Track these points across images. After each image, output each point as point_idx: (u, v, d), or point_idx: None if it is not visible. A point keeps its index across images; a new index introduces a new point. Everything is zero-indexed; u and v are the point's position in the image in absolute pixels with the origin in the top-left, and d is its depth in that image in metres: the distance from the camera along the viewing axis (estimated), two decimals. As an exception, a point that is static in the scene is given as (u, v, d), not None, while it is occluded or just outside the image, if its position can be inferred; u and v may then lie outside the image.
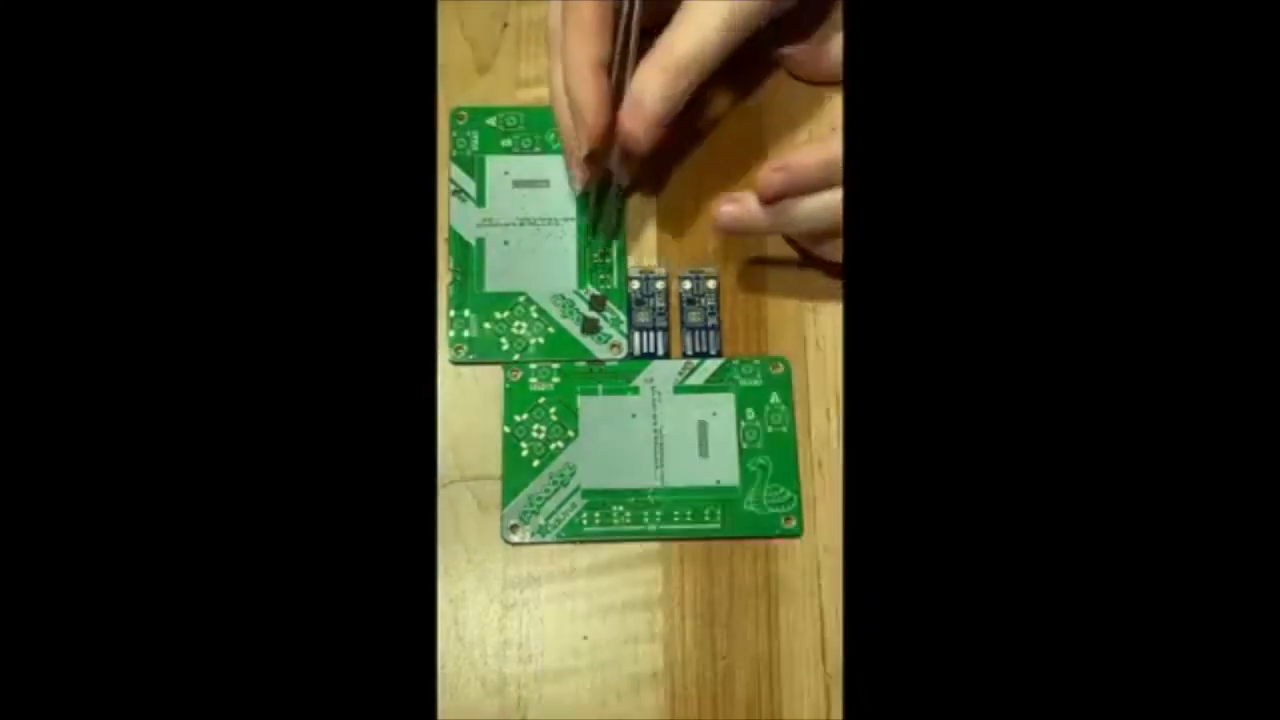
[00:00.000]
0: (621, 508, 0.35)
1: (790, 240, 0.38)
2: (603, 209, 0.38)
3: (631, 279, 0.38)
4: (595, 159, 0.36)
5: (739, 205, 0.35)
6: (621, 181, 0.38)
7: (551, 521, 0.35)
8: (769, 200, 0.35)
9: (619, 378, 0.37)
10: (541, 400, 0.36)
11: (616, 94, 0.35)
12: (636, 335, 0.37)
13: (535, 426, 0.36)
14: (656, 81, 0.34)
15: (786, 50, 0.40)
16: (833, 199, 0.34)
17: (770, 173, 0.34)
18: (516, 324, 0.37)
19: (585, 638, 0.34)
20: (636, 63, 0.35)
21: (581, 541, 0.35)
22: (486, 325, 0.37)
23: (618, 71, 0.35)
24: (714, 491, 0.35)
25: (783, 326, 0.38)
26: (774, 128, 0.40)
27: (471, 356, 0.37)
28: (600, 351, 0.37)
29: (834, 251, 0.36)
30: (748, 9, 0.35)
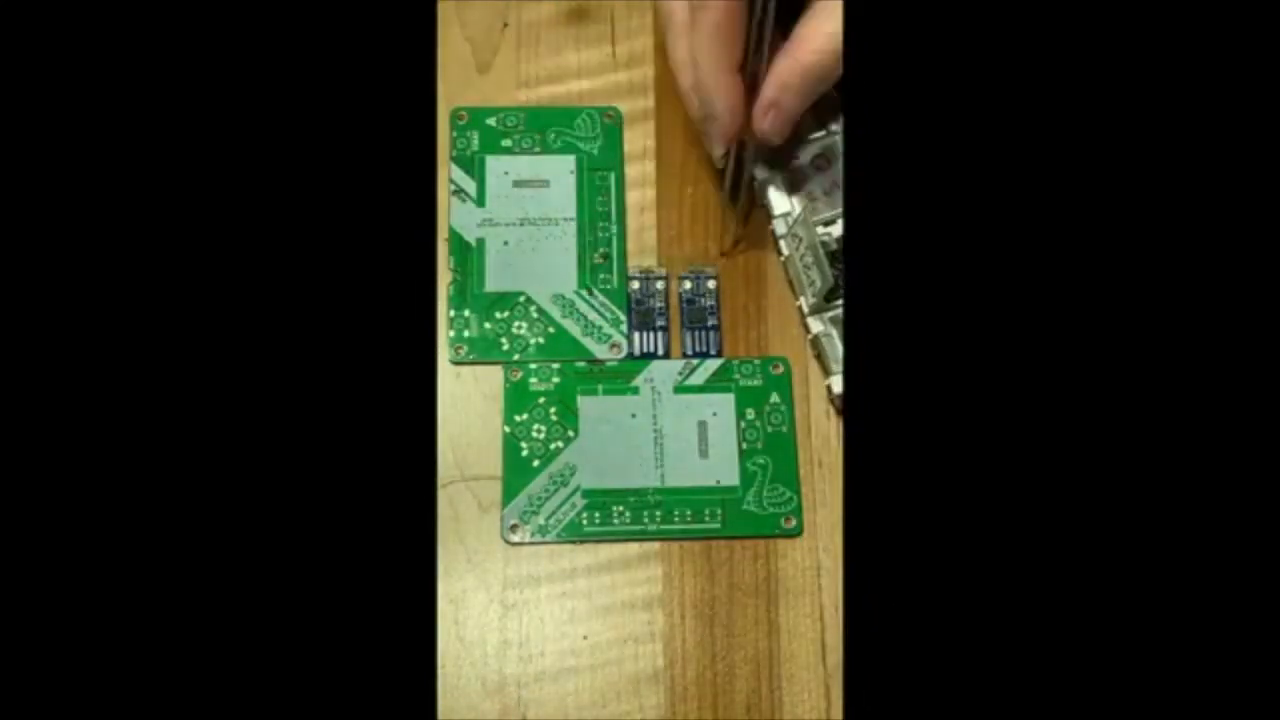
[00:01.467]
0: (621, 508, 0.35)
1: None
2: (739, 181, 0.37)
3: (631, 279, 0.38)
4: (727, 154, 0.36)
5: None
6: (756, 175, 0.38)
7: (551, 521, 0.35)
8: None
9: (619, 378, 0.37)
10: (541, 400, 0.36)
11: (749, 87, 0.34)
12: (636, 335, 0.37)
13: (535, 426, 0.36)
14: (793, 82, 0.33)
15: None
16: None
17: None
18: (516, 324, 0.37)
19: (585, 638, 0.34)
20: (769, 58, 0.34)
21: (581, 541, 0.35)
22: (486, 325, 0.37)
23: (751, 66, 0.34)
24: (714, 491, 0.35)
25: (783, 326, 0.38)
26: (774, 128, 0.40)
27: (471, 356, 0.37)
28: (600, 351, 0.37)
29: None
30: None
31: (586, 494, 0.35)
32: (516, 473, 0.35)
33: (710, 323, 0.37)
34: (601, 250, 0.38)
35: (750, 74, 0.34)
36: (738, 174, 0.37)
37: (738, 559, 0.35)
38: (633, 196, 0.39)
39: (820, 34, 0.33)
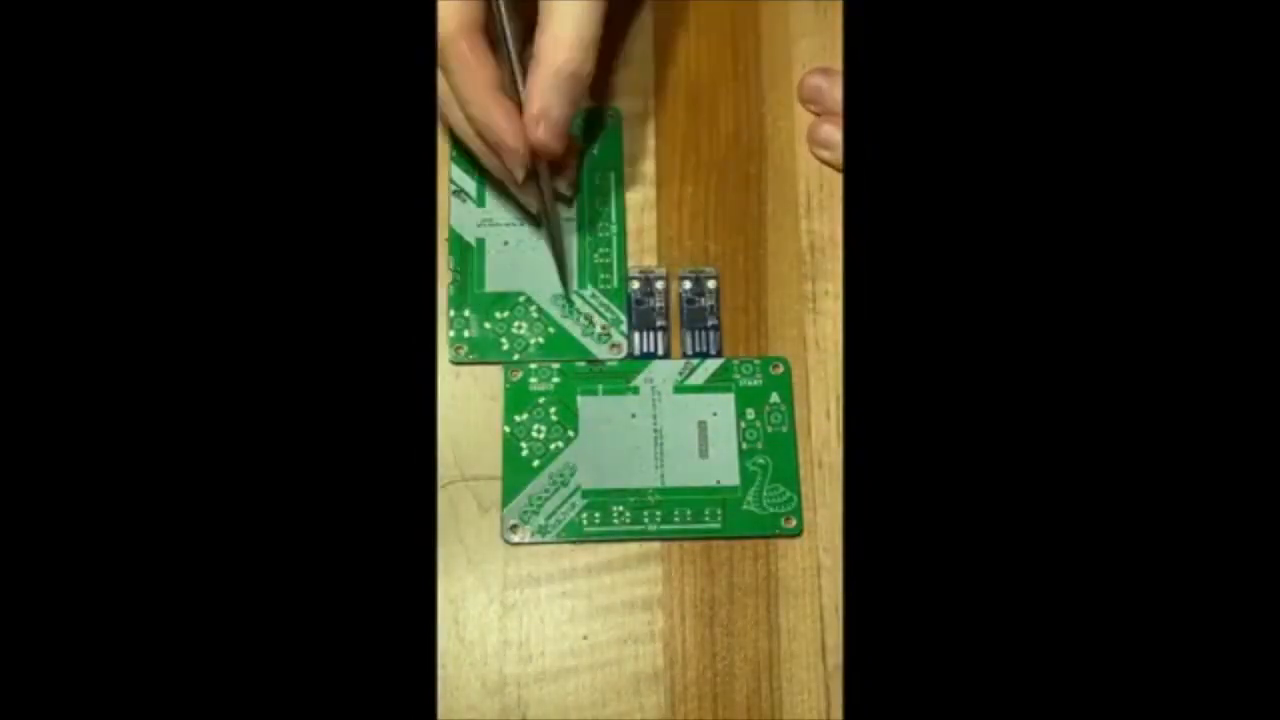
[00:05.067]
0: (621, 508, 0.35)
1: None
2: (553, 222, 0.37)
3: (631, 279, 0.38)
4: (530, 179, 0.36)
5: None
6: (565, 191, 0.38)
7: (551, 521, 0.35)
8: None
9: (619, 378, 0.37)
10: (541, 400, 0.36)
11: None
12: (636, 335, 0.37)
13: (535, 426, 0.36)
14: (553, 88, 0.34)
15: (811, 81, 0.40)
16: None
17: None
18: (516, 324, 0.37)
19: (585, 638, 0.34)
20: (524, 74, 0.35)
21: (581, 541, 0.35)
22: (486, 325, 0.37)
23: (512, 90, 0.35)
24: (714, 491, 0.35)
25: (783, 326, 0.38)
26: (774, 130, 0.40)
27: (471, 356, 0.37)
28: (600, 351, 0.37)
29: None
30: None
31: (586, 494, 0.35)
32: (516, 473, 0.35)
33: (710, 323, 0.37)
34: (601, 251, 0.38)
35: (513, 93, 0.35)
36: (543, 198, 0.37)
37: (738, 559, 0.35)
38: (633, 196, 0.39)
39: (561, 37, 0.34)
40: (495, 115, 0.34)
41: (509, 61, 0.35)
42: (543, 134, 0.34)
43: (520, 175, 0.35)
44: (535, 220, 0.38)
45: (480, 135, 0.35)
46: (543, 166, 0.36)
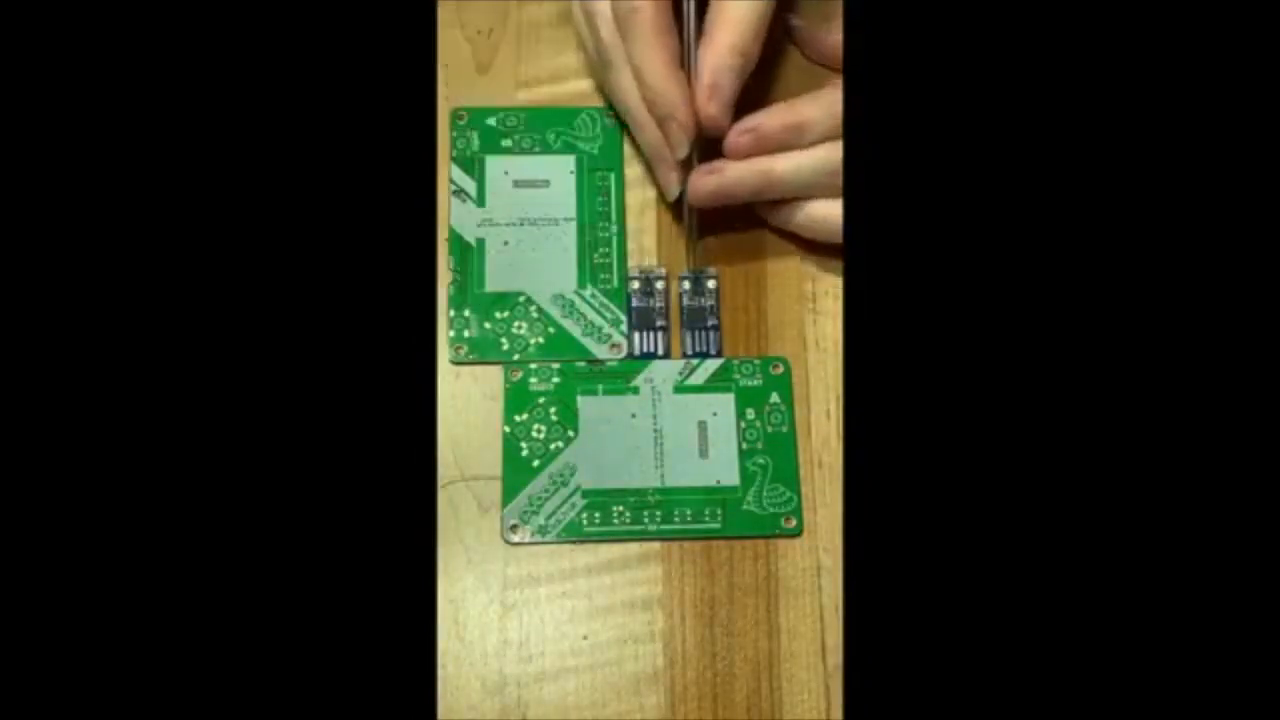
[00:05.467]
0: (621, 508, 0.35)
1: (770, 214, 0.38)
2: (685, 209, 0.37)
3: (631, 279, 0.38)
4: (690, 158, 0.36)
5: (718, 174, 0.36)
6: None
7: (551, 521, 0.35)
8: (739, 158, 0.36)
9: (619, 378, 0.37)
10: (541, 400, 0.36)
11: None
12: (636, 335, 0.37)
13: (535, 426, 0.36)
14: (727, 65, 0.35)
15: (797, 22, 0.40)
16: (806, 159, 0.35)
17: (738, 135, 0.35)
18: (516, 324, 0.37)
19: (585, 638, 0.34)
20: (697, 47, 0.35)
21: (581, 541, 0.35)
22: (486, 325, 0.37)
23: (687, 62, 0.35)
24: (714, 491, 0.35)
25: (783, 326, 0.38)
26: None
27: (471, 356, 0.37)
28: (600, 351, 0.37)
29: (813, 217, 0.37)
30: None
31: (586, 494, 0.35)
32: (516, 473, 0.35)
33: (710, 323, 0.37)
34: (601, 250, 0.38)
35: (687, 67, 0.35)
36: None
37: (738, 559, 0.35)
38: (633, 196, 0.39)
39: (738, 16, 0.35)
40: (673, 88, 0.35)
41: (688, 33, 0.35)
42: (715, 109, 0.35)
43: (686, 150, 0.35)
44: (676, 205, 0.38)
45: (649, 105, 0.35)
46: (697, 145, 0.36)
